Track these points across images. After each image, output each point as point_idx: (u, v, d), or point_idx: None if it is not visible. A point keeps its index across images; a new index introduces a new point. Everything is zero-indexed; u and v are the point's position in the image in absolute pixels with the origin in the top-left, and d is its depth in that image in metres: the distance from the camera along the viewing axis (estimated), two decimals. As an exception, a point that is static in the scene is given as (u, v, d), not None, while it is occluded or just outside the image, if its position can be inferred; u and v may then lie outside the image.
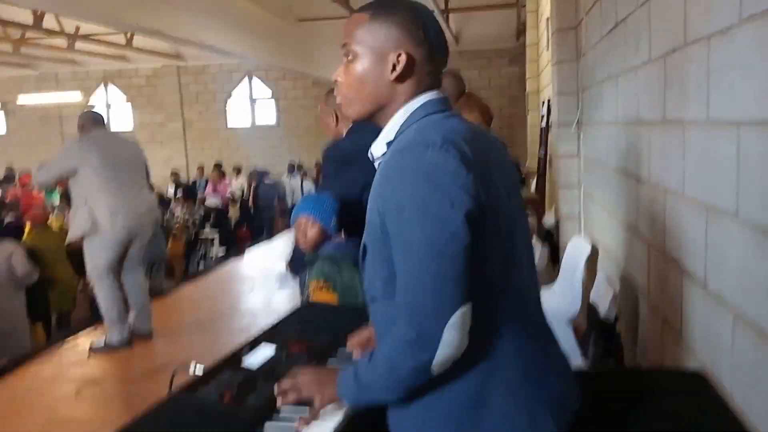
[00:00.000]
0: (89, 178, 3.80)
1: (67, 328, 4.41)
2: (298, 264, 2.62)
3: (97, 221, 3.80)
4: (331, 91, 2.70)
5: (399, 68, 1.15)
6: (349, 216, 2.19)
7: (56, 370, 3.63)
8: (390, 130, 1.18)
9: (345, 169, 2.30)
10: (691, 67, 1.84)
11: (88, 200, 3.81)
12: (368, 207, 1.15)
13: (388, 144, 1.18)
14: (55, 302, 5.48)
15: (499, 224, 1.11)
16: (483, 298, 1.09)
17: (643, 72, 2.44)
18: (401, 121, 1.17)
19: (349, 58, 1.18)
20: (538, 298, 1.25)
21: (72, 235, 3.95)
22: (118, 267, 3.96)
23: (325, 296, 2.27)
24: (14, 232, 6.07)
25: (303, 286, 2.40)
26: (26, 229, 6.09)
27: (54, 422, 2.98)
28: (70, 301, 5.62)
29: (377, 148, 1.21)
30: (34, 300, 5.18)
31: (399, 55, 1.14)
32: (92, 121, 3.98)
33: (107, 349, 3.88)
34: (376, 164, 1.21)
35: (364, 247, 1.18)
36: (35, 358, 3.85)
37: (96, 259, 3.88)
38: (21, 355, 3.97)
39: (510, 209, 1.16)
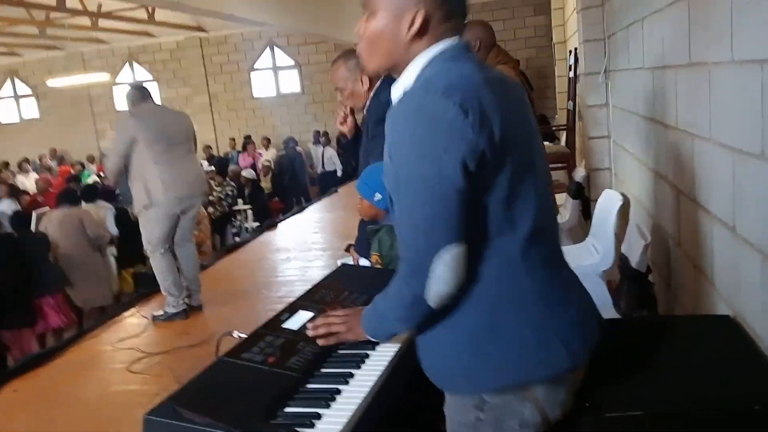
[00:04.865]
0: (143, 151, 3.87)
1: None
2: (361, 245, 2.48)
3: (152, 194, 3.89)
4: (346, 53, 2.56)
5: (415, 27, 1.19)
6: None
7: (109, 344, 3.80)
8: (409, 76, 1.23)
9: None
10: (716, 6, 1.80)
11: (144, 174, 3.89)
12: (384, 155, 1.20)
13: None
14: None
15: (515, 163, 1.16)
16: (499, 233, 1.17)
17: (668, 14, 2.38)
18: (419, 69, 1.21)
19: (369, 14, 1.23)
20: (557, 235, 1.31)
21: (136, 210, 4.03)
22: (170, 240, 4.06)
23: None
24: (109, 195, 7.33)
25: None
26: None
27: (108, 394, 3.13)
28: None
29: (395, 93, 1.26)
30: (127, 251, 6.50)
31: (415, 14, 1.18)
32: (141, 97, 4.03)
33: (166, 317, 4.03)
34: None
35: (390, 195, 1.23)
36: (89, 332, 4.03)
37: (151, 232, 3.97)
38: (77, 332, 4.16)
39: (530, 150, 1.22)
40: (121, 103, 14.54)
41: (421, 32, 1.19)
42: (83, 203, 6.34)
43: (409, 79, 1.22)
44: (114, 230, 6.36)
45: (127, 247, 6.47)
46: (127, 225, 6.34)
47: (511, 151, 1.15)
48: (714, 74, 1.86)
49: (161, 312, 4.07)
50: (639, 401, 1.39)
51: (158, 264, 4.00)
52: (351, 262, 2.62)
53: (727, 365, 1.53)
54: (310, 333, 1.47)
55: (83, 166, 12.49)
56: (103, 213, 6.46)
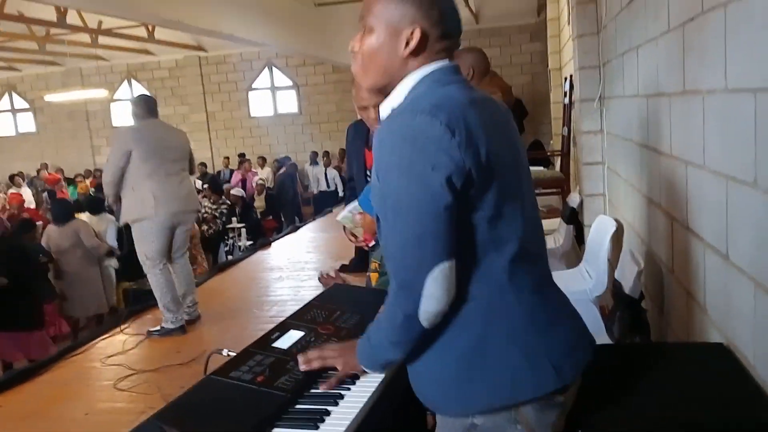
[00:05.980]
0: (138, 165, 3.88)
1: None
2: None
3: (143, 208, 3.88)
4: None
5: (412, 44, 1.20)
6: None
7: (97, 360, 3.76)
8: (398, 95, 1.24)
9: None
10: (709, 35, 1.82)
11: (135, 187, 3.89)
12: (372, 174, 1.20)
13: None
14: None
15: (501, 183, 1.17)
16: (484, 253, 1.17)
17: (663, 42, 2.41)
18: (408, 88, 1.22)
19: (366, 30, 1.24)
20: (544, 254, 1.31)
21: (123, 220, 4.04)
22: (168, 254, 4.05)
23: (374, 277, 2.27)
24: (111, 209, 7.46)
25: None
26: None
27: (94, 411, 3.09)
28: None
29: (383, 111, 1.27)
30: (128, 265, 6.34)
31: (413, 31, 1.19)
32: (146, 110, 4.05)
33: (163, 333, 3.99)
34: None
35: (377, 214, 1.23)
36: (78, 349, 3.99)
37: (146, 247, 3.97)
38: (64, 348, 4.12)
39: (515, 172, 1.23)
40: (118, 118, 14.59)
41: (418, 50, 1.20)
42: (88, 214, 6.55)
43: (397, 99, 1.23)
44: (113, 243, 6.45)
45: (129, 262, 6.55)
46: (130, 240, 6.43)
47: (497, 172, 1.16)
48: (707, 102, 1.87)
49: (158, 327, 4.04)
50: (631, 428, 1.38)
51: (157, 280, 3.98)
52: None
53: (720, 393, 1.52)
54: (303, 367, 1.42)
55: (69, 182, 12.48)
56: (105, 225, 6.59)
